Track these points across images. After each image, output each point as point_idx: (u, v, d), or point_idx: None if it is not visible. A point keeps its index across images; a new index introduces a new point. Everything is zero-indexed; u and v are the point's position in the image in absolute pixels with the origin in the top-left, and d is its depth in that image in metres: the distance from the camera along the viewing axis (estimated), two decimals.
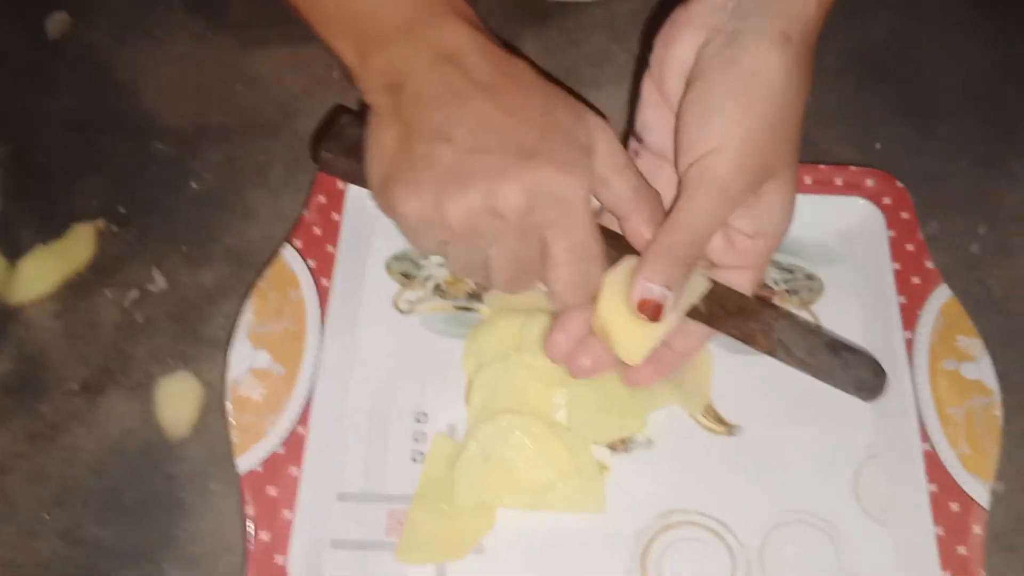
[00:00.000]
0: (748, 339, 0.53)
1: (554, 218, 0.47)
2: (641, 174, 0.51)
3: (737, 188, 0.48)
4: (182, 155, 0.71)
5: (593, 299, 0.51)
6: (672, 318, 0.51)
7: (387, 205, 0.49)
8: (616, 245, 0.51)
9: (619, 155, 0.50)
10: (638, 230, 0.50)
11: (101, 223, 0.68)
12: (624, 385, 0.57)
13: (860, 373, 0.53)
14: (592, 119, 0.49)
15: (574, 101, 0.50)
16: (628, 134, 0.56)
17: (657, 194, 0.52)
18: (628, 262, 0.51)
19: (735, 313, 0.52)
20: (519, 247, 0.48)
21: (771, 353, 0.53)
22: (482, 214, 0.46)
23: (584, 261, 0.49)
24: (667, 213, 0.50)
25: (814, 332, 0.54)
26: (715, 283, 0.52)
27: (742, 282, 0.53)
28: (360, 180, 0.51)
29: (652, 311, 0.49)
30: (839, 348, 0.53)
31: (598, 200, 0.50)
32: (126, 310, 0.65)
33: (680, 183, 0.49)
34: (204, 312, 0.65)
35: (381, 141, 0.48)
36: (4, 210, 0.68)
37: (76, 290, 0.66)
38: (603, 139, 0.49)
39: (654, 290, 0.49)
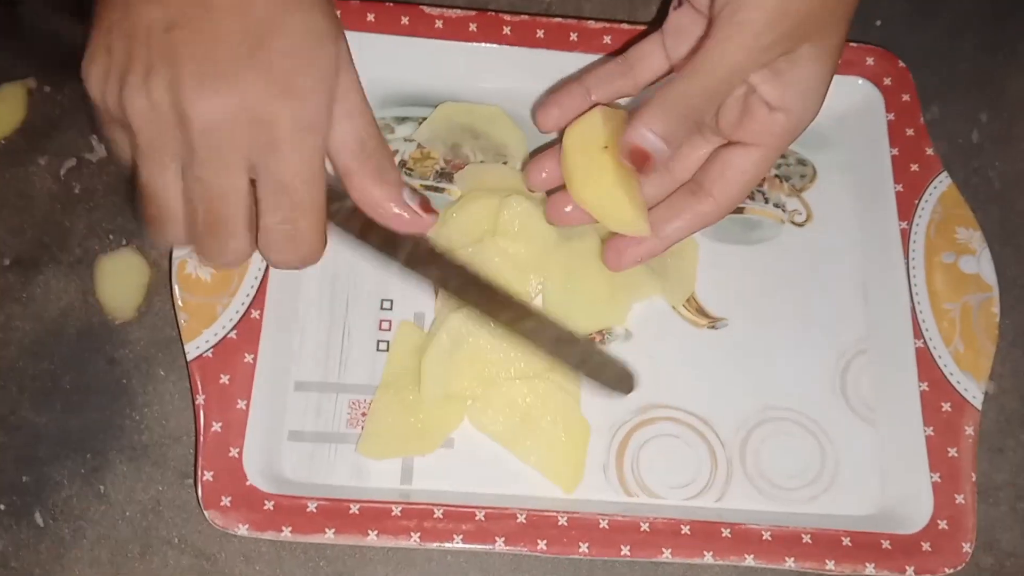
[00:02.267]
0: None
1: (258, 147, 0.39)
2: (376, 125, 0.44)
3: (770, 39, 0.43)
4: None
5: (305, 262, 0.44)
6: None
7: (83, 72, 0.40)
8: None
9: (356, 98, 0.43)
10: (364, 187, 0.44)
11: (32, 82, 0.61)
12: (604, 273, 0.53)
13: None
14: (343, 51, 0.42)
15: (329, 30, 0.41)
16: None
17: (391, 154, 0.46)
18: (597, 111, 0.48)
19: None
20: (207, 175, 0.39)
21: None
22: (163, 112, 0.38)
23: (294, 210, 0.41)
24: (689, 55, 0.45)
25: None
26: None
27: (745, 164, 0.48)
28: None
29: (641, 160, 0.45)
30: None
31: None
32: (62, 180, 0.59)
33: (709, 26, 0.44)
34: None
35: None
36: None
37: (6, 157, 0.59)
38: (345, 76, 0.42)
39: (649, 138, 0.44)
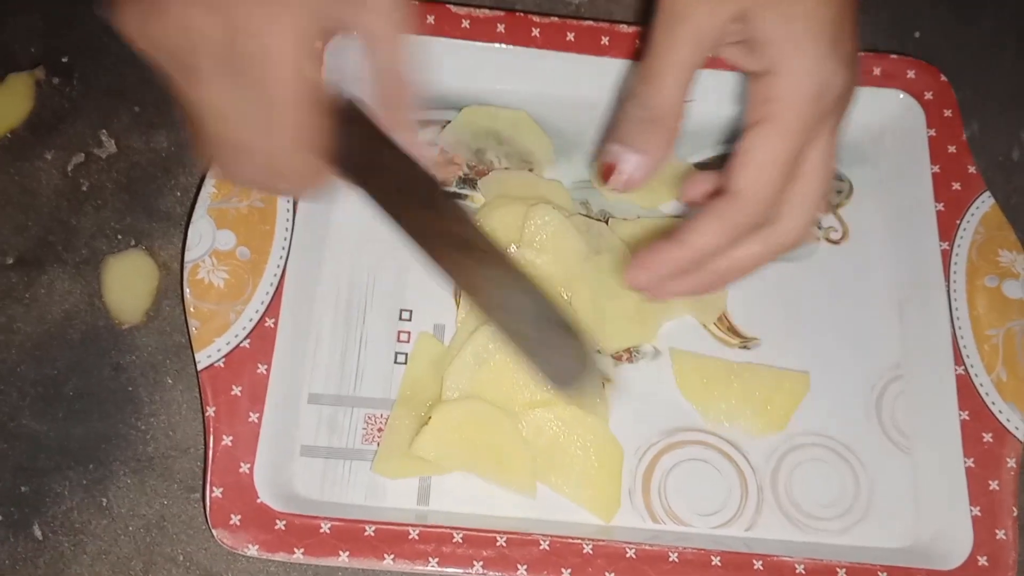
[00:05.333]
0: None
1: (249, 63, 0.37)
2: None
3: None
4: None
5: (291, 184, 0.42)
6: None
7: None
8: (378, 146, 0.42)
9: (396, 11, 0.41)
10: (392, 56, 0.41)
11: (40, 73, 0.59)
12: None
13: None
14: None
15: None
16: None
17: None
18: None
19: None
20: (223, 90, 0.38)
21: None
22: (180, 31, 0.38)
23: (281, 129, 0.39)
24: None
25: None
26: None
27: (758, 142, 0.42)
28: None
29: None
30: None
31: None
32: (69, 176, 0.57)
33: None
34: (158, 182, 0.57)
35: None
36: None
37: (11, 151, 0.57)
38: None
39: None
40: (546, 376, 0.42)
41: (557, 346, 0.42)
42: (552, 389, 0.43)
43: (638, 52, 0.58)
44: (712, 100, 0.58)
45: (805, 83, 0.42)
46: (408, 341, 0.53)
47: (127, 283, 0.55)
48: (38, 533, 0.50)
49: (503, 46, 0.57)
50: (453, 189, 0.57)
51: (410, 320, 0.54)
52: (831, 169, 0.44)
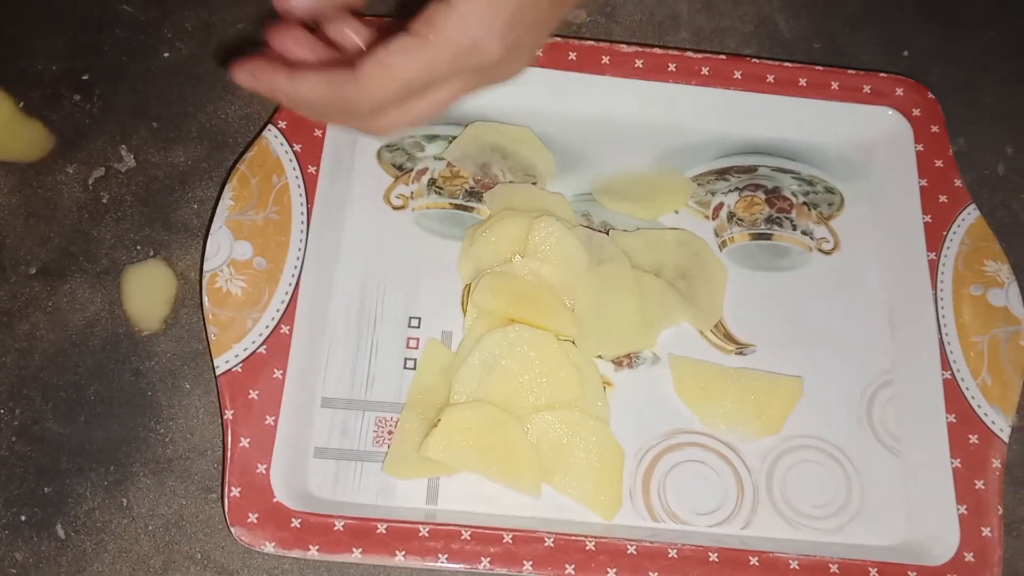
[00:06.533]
0: None
1: None
2: None
3: None
4: (152, 19, 0.64)
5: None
6: None
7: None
8: None
9: None
10: None
11: (61, 90, 0.61)
12: (635, 297, 0.54)
13: None
14: None
15: None
16: None
17: None
18: None
19: None
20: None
21: None
22: None
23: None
24: None
25: None
26: None
27: (408, 45, 0.42)
28: None
29: None
30: None
31: None
32: (90, 189, 0.59)
33: None
34: (176, 195, 0.59)
35: None
36: None
37: (34, 165, 0.59)
38: None
39: None
40: None
41: None
42: None
43: (638, 72, 0.60)
44: (711, 118, 0.60)
45: (466, 35, 0.42)
46: (417, 347, 0.56)
47: (146, 292, 0.57)
48: (61, 532, 0.52)
49: None
50: (460, 201, 0.59)
51: (419, 327, 0.56)
52: (436, 112, 0.45)
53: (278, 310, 0.53)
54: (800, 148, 0.62)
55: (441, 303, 0.57)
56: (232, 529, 0.49)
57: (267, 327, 0.52)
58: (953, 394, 0.54)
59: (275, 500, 0.49)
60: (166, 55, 0.63)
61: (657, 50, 0.61)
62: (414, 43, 0.41)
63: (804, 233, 0.60)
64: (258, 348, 0.52)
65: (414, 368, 0.55)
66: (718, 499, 0.54)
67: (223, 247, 0.54)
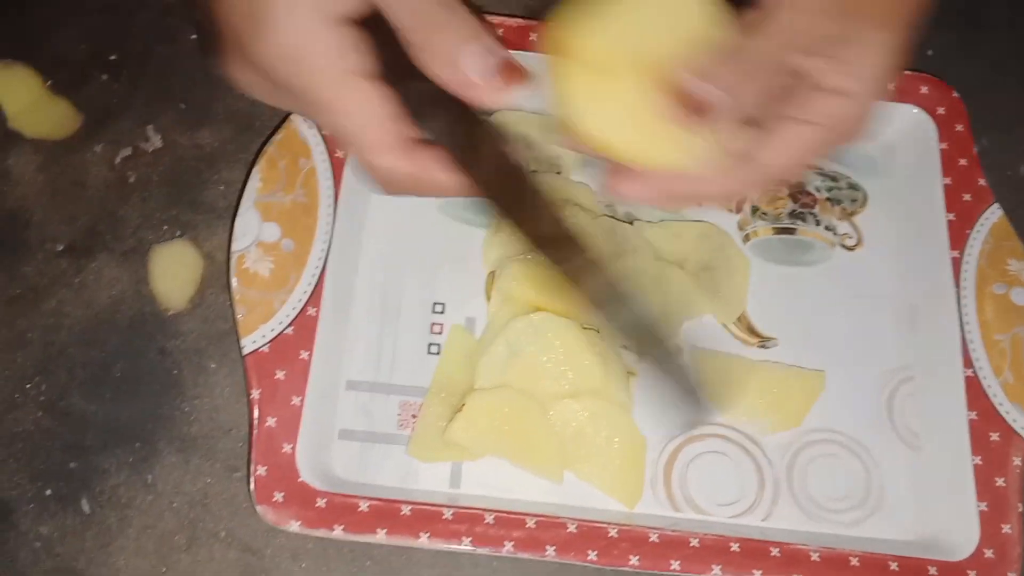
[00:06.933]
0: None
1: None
2: None
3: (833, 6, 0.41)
4: (180, 1, 0.64)
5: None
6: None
7: None
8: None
9: None
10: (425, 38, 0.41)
11: (89, 71, 0.61)
12: (657, 289, 0.54)
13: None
14: None
15: None
16: None
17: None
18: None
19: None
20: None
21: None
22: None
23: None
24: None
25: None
26: None
27: (796, 138, 0.43)
28: None
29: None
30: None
31: None
32: (117, 168, 0.59)
33: None
34: (203, 176, 0.60)
35: None
36: None
37: (62, 144, 0.60)
38: None
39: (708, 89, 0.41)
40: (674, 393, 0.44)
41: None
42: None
43: None
44: None
45: (863, 107, 0.43)
46: (441, 333, 0.56)
47: (172, 271, 0.57)
48: (86, 508, 0.52)
49: (534, 54, 0.60)
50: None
51: (443, 313, 0.56)
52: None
53: (305, 292, 0.53)
54: None
55: (465, 290, 0.57)
56: (257, 507, 0.49)
57: (294, 308, 0.53)
58: (975, 391, 0.54)
59: (300, 480, 0.50)
60: (193, 37, 0.63)
61: None
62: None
63: (827, 228, 0.60)
64: (285, 329, 0.52)
65: (438, 353, 0.55)
66: (739, 490, 0.54)
67: (251, 228, 0.54)
